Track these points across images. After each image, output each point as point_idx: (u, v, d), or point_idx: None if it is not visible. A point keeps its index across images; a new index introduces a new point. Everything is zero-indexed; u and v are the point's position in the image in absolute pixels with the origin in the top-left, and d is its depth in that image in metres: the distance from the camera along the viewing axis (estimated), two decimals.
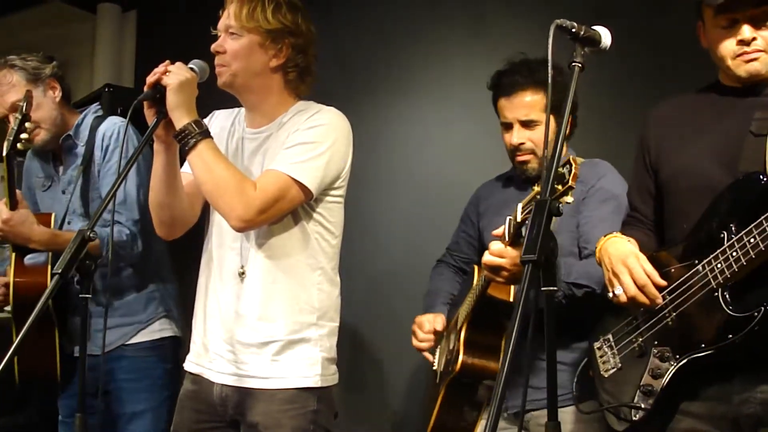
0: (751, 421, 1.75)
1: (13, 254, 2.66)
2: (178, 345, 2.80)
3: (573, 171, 1.64)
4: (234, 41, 2.14)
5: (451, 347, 2.50)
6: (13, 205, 2.57)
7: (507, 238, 2.05)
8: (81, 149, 2.75)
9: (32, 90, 2.67)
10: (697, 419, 1.83)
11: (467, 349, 2.37)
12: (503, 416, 2.39)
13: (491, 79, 2.50)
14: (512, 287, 2.31)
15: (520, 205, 1.96)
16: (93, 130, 2.73)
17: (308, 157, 2.10)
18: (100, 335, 2.61)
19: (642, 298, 1.88)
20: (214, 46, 2.16)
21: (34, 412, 3.10)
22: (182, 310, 2.74)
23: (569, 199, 1.71)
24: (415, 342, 2.62)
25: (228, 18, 2.14)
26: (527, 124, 2.40)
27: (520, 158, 2.44)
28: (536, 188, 1.87)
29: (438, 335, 2.61)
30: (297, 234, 2.17)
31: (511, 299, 2.32)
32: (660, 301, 1.88)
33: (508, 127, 2.45)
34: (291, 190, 2.09)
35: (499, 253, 2.09)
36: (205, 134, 2.05)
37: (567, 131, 2.43)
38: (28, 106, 2.58)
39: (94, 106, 2.91)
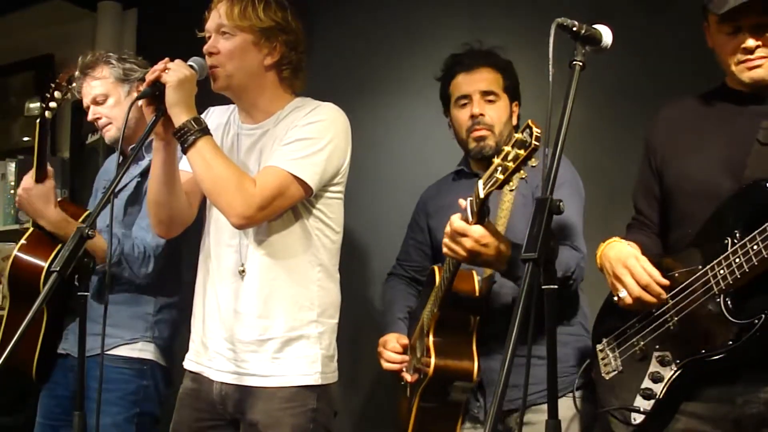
0: (754, 421, 1.75)
1: (31, 228, 2.65)
2: (162, 372, 2.67)
3: (534, 133, 1.62)
4: (227, 41, 2.13)
5: (419, 355, 2.43)
6: (41, 177, 2.57)
7: (470, 218, 1.99)
8: (145, 162, 2.70)
9: (117, 88, 2.74)
10: (698, 419, 1.83)
11: (438, 352, 2.29)
12: (478, 423, 2.36)
13: (445, 62, 2.51)
14: (476, 281, 2.28)
15: (480, 182, 1.91)
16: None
17: (307, 153, 2.10)
18: (92, 338, 2.58)
19: (647, 297, 1.87)
20: (206, 47, 2.15)
21: (34, 411, 3.07)
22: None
23: (534, 162, 1.69)
24: (386, 364, 2.52)
25: (219, 18, 2.13)
26: (487, 95, 2.40)
27: (477, 132, 2.39)
28: (496, 160, 1.81)
29: (405, 350, 2.52)
30: (297, 230, 2.17)
31: (476, 293, 2.27)
32: (665, 296, 1.88)
33: (465, 101, 2.42)
34: (291, 187, 2.08)
35: (462, 230, 2.01)
36: (204, 131, 2.04)
37: (516, 123, 2.47)
38: (63, 74, 2.64)
39: None
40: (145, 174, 2.67)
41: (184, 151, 2.05)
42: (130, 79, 2.77)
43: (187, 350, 2.29)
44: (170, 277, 2.69)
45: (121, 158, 2.84)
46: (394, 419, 2.63)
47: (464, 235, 2.01)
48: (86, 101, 2.77)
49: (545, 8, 2.83)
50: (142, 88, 2.75)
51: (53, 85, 2.64)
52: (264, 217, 2.09)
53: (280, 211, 2.12)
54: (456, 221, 2.03)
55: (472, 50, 2.49)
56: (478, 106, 2.39)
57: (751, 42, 1.86)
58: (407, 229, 2.73)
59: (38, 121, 2.61)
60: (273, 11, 2.16)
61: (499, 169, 1.80)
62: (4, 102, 4.65)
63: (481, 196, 1.91)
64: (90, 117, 2.78)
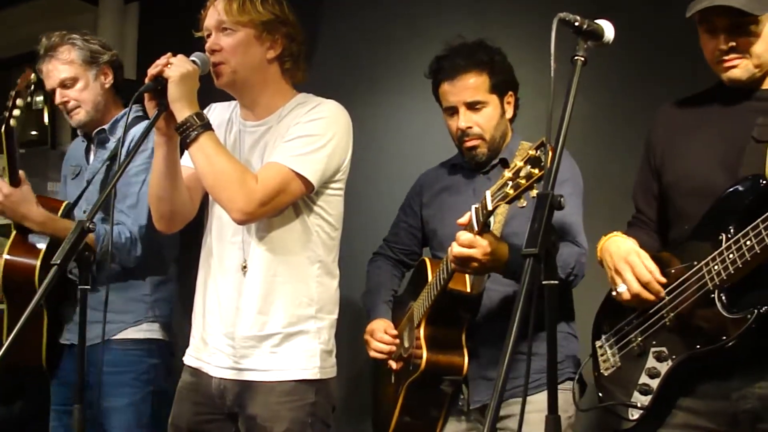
0: (750, 417, 1.76)
1: (14, 232, 2.66)
2: (168, 348, 2.73)
3: (550, 154, 1.62)
4: (229, 37, 2.13)
5: (407, 345, 2.44)
6: (15, 182, 2.58)
7: (476, 227, 2.01)
8: (112, 144, 2.74)
9: (85, 71, 2.74)
10: (695, 415, 1.84)
11: (430, 346, 2.31)
12: (462, 416, 2.38)
13: (430, 66, 2.47)
14: (468, 278, 2.27)
15: (488, 193, 1.92)
16: (128, 129, 2.67)
17: (309, 150, 2.10)
18: (90, 326, 2.60)
19: (646, 294, 1.88)
20: (209, 45, 2.15)
21: (30, 401, 3.09)
22: (182, 316, 2.63)
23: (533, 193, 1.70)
24: (372, 353, 2.52)
25: (219, 15, 2.13)
26: (473, 106, 2.37)
27: (468, 144, 2.39)
28: (507, 174, 1.82)
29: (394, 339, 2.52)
30: (297, 227, 2.17)
31: (469, 290, 2.27)
32: (663, 294, 1.88)
33: (452, 111, 2.41)
34: (292, 183, 2.09)
35: (469, 243, 2.03)
36: (207, 127, 2.04)
37: (512, 114, 2.46)
38: (21, 79, 2.63)
39: (137, 106, 2.92)
40: (113, 158, 2.69)
41: (186, 147, 2.06)
42: (98, 62, 2.77)
43: (183, 324, 2.29)
44: (154, 255, 2.70)
45: (85, 142, 2.87)
46: (373, 404, 2.64)
47: (472, 246, 2.04)
48: (52, 84, 2.77)
49: (547, 3, 2.83)
50: (109, 74, 2.78)
51: (13, 94, 2.65)
52: (265, 212, 2.09)
53: (281, 208, 2.12)
54: (463, 235, 2.05)
55: (453, 51, 2.42)
56: (464, 119, 2.37)
57: (722, 43, 1.87)
58: (399, 211, 2.73)
59: (3, 130, 2.62)
60: (270, 4, 2.17)
61: (510, 183, 1.81)
62: (4, 96, 4.64)
63: (489, 208, 1.92)
64: (58, 100, 2.78)
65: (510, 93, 2.44)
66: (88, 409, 2.64)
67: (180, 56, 2.07)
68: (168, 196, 2.17)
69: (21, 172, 2.61)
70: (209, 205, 2.30)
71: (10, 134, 2.63)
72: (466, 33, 2.53)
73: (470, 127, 2.37)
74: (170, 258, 2.81)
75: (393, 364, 2.48)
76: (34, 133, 4.42)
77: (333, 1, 3.66)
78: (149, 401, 2.64)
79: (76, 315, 2.69)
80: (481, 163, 2.43)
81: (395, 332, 2.51)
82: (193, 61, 2.09)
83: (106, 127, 2.77)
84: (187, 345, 2.31)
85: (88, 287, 1.84)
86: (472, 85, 2.36)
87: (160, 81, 2.03)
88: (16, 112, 2.65)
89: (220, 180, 2.04)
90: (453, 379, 2.33)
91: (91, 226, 1.77)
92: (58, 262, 1.72)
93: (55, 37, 2.75)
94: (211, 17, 2.16)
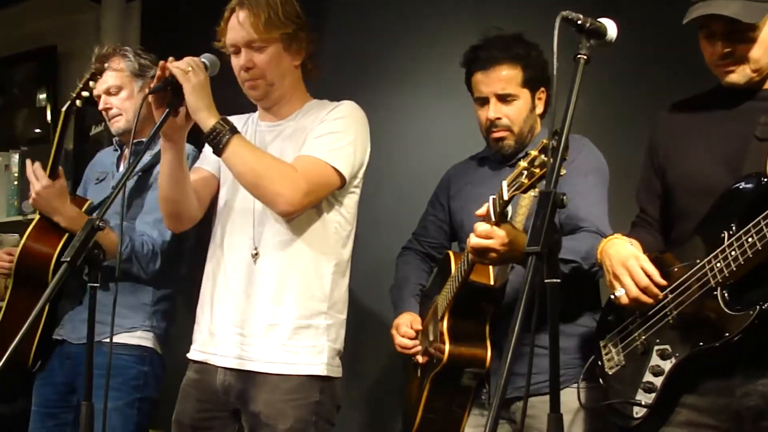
0: (753, 414, 1.76)
1: (38, 217, 2.67)
2: (160, 360, 2.71)
3: (559, 144, 1.62)
4: (261, 54, 2.18)
5: (431, 339, 2.44)
6: (54, 175, 2.61)
7: (493, 218, 2.01)
8: (147, 157, 2.74)
9: (131, 82, 2.80)
10: (698, 412, 1.84)
11: (452, 339, 2.30)
12: (485, 410, 2.37)
13: (465, 55, 2.46)
14: (491, 270, 2.27)
15: (505, 183, 1.91)
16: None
17: (340, 145, 2.14)
18: (81, 325, 2.54)
19: (644, 298, 1.89)
20: (242, 64, 2.18)
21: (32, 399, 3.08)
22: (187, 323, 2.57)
23: (562, 171, 1.70)
24: (397, 347, 2.50)
25: (247, 33, 2.16)
26: (504, 98, 2.37)
27: (495, 135, 2.39)
28: (522, 164, 1.83)
29: (418, 334, 2.51)
30: (317, 222, 2.20)
31: (492, 282, 2.27)
32: (661, 296, 1.89)
33: (483, 102, 2.40)
34: (330, 176, 2.13)
35: (486, 234, 2.02)
36: (234, 130, 2.07)
37: (543, 110, 2.45)
38: (96, 72, 2.73)
39: None
40: (147, 170, 2.71)
41: (219, 153, 2.06)
42: (145, 75, 2.82)
43: (180, 340, 2.29)
44: (169, 269, 2.70)
45: (118, 151, 2.89)
46: (401, 399, 2.64)
47: (489, 237, 2.03)
48: (98, 90, 2.81)
49: (550, 3, 2.84)
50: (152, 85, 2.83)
51: (88, 76, 2.71)
52: (309, 203, 2.12)
53: (318, 200, 2.15)
54: (480, 225, 2.05)
55: (489, 42, 2.42)
56: (494, 110, 2.37)
57: (719, 47, 1.88)
58: (427, 205, 2.72)
59: (65, 108, 2.67)
60: (287, 11, 2.20)
61: (525, 173, 1.81)
62: (7, 93, 4.65)
63: (505, 197, 1.92)
64: (101, 106, 2.83)
65: (542, 89, 2.43)
66: (72, 413, 2.66)
67: (192, 59, 2.07)
68: (175, 198, 2.20)
69: (60, 169, 2.63)
70: (218, 204, 2.31)
71: (68, 117, 2.69)
72: (470, 33, 2.53)
73: (499, 119, 2.37)
74: (181, 274, 2.81)
75: (419, 358, 2.48)
76: (37, 131, 4.42)
77: (335, 2, 3.66)
78: (136, 408, 2.62)
79: (72, 312, 2.73)
80: (508, 156, 2.43)
81: (420, 326, 2.50)
82: (203, 63, 2.10)
83: (144, 139, 2.76)
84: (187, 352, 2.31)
85: (98, 285, 1.84)
86: (505, 77, 2.36)
87: (169, 80, 2.04)
88: (85, 93, 2.72)
89: (263, 176, 2.06)
90: (476, 372, 2.33)
91: (101, 224, 1.78)
92: (68, 259, 1.73)
93: (108, 48, 2.83)
94: (237, 33, 2.18)
